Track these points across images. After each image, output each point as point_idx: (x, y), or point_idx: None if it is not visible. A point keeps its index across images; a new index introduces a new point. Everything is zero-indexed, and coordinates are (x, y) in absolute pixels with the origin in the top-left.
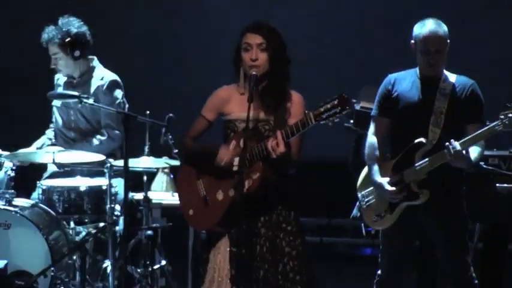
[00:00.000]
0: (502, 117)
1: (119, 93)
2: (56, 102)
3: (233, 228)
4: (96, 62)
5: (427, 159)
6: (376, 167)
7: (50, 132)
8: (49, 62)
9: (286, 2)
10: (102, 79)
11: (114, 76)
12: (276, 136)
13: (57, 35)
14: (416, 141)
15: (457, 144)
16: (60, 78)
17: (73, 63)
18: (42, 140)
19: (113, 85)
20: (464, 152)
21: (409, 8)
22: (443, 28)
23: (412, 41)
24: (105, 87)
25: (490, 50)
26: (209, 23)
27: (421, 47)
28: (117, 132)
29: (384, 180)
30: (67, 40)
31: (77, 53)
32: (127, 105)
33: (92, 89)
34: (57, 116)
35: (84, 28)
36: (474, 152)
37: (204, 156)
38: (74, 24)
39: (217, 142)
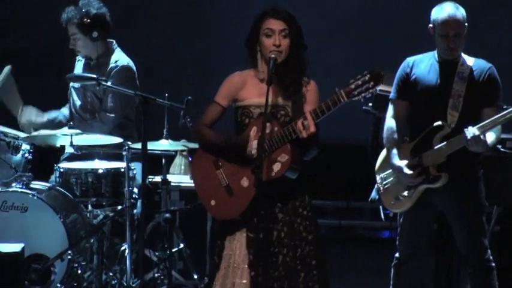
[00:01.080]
0: None
1: (127, 79)
2: (74, 84)
3: (252, 215)
4: (115, 46)
5: (445, 142)
6: (394, 150)
7: (65, 110)
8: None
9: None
10: (116, 62)
11: (127, 61)
12: (306, 116)
13: (76, 15)
14: (435, 124)
15: (475, 129)
16: (80, 60)
17: (91, 45)
18: (56, 113)
19: (123, 70)
20: (482, 136)
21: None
22: (462, 12)
23: (431, 25)
24: (114, 70)
25: (508, 36)
26: (235, 10)
27: (439, 31)
28: (110, 116)
29: (403, 164)
30: (86, 21)
31: (95, 34)
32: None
33: (106, 72)
34: (74, 97)
35: (104, 9)
36: (491, 136)
37: (225, 146)
38: (94, 5)
39: (228, 128)
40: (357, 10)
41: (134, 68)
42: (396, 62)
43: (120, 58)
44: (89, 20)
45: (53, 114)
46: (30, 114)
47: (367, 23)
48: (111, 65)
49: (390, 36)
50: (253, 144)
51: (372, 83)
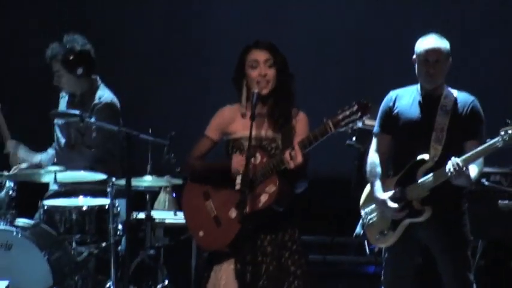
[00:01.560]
0: (502, 133)
1: (110, 115)
2: (58, 120)
3: (240, 246)
4: (99, 82)
5: (429, 176)
6: (378, 183)
7: (50, 150)
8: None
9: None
10: (99, 99)
11: (110, 98)
12: (293, 147)
13: (61, 51)
14: (419, 158)
15: (458, 161)
16: (64, 97)
17: (75, 81)
18: (43, 155)
19: (106, 106)
20: (464, 169)
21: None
22: (445, 42)
23: (414, 56)
24: (97, 107)
25: (491, 67)
26: (213, 40)
27: (420, 57)
28: (91, 150)
29: (386, 197)
30: (70, 57)
31: (79, 71)
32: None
33: (89, 108)
34: (58, 134)
35: (89, 46)
36: (473, 169)
37: (214, 174)
38: (79, 42)
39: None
40: (347, 43)
41: (118, 105)
42: (382, 96)
43: (104, 94)
44: (73, 57)
45: (37, 158)
46: (21, 152)
47: (356, 56)
48: (95, 101)
49: (378, 70)
50: (238, 179)
51: (359, 113)
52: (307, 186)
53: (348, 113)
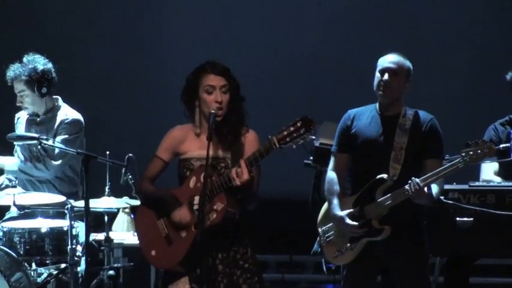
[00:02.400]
0: (463, 154)
1: (78, 131)
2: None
3: (194, 266)
4: (61, 102)
5: (388, 195)
6: (336, 201)
7: (8, 173)
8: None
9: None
10: (66, 115)
11: (78, 116)
12: (240, 164)
13: (24, 72)
14: (378, 177)
15: (418, 181)
16: (20, 117)
17: (39, 101)
18: (1, 179)
19: (74, 122)
20: (425, 188)
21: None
22: (404, 59)
23: (376, 73)
24: (65, 122)
25: (451, 85)
26: (170, 61)
27: (379, 70)
28: (56, 163)
29: (345, 214)
30: (34, 77)
31: (44, 90)
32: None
33: (56, 125)
34: (19, 154)
35: (50, 65)
36: (435, 188)
37: (161, 203)
38: (40, 62)
39: (174, 181)
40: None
41: (83, 124)
42: (340, 115)
43: (70, 112)
44: (37, 76)
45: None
46: None
47: (314, 76)
48: (62, 118)
49: (336, 89)
50: (196, 199)
51: (303, 129)
52: (256, 202)
53: (292, 129)
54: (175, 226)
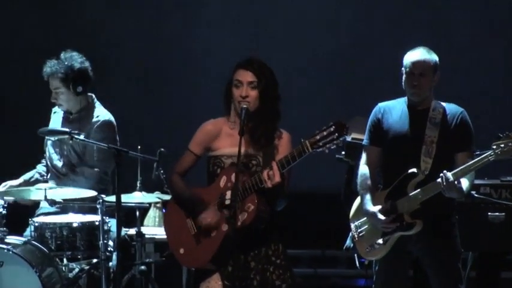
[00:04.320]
0: (494, 147)
1: (108, 133)
2: (51, 137)
3: (225, 264)
4: (95, 100)
5: (420, 189)
6: (368, 196)
7: (40, 167)
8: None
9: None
10: (97, 117)
11: (108, 116)
12: (272, 166)
13: (60, 69)
14: (409, 171)
15: (450, 175)
16: (57, 112)
17: (74, 99)
18: (31, 173)
19: (104, 125)
20: (456, 182)
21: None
22: (431, 54)
23: (402, 69)
24: (96, 125)
25: (480, 80)
26: (202, 58)
27: (406, 71)
28: (93, 170)
29: (377, 209)
30: (70, 75)
31: (79, 89)
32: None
33: (87, 126)
34: (50, 151)
35: (87, 64)
36: (465, 182)
37: (189, 204)
38: (77, 60)
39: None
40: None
41: (115, 123)
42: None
43: (101, 113)
44: (73, 74)
45: (28, 175)
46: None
47: (345, 72)
48: (94, 119)
49: (367, 84)
50: (227, 194)
51: (336, 134)
52: (286, 202)
53: (325, 133)
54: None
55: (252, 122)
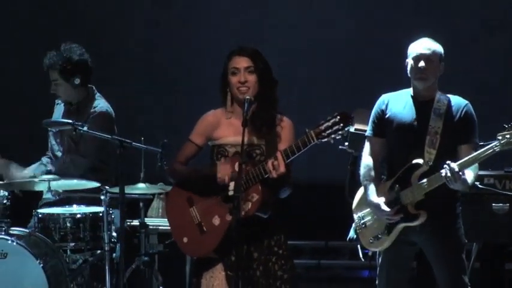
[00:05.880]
0: (500, 138)
1: (103, 124)
2: (52, 128)
3: (228, 253)
4: (95, 92)
5: (424, 180)
6: (372, 187)
7: (45, 159)
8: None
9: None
10: (94, 108)
11: (106, 107)
12: (276, 156)
13: (59, 61)
14: (413, 162)
15: (455, 166)
16: (60, 103)
17: (72, 90)
18: (36, 166)
19: (100, 115)
20: (461, 173)
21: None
22: (437, 45)
23: (407, 60)
24: (92, 116)
25: (486, 72)
26: (202, 49)
27: (413, 57)
28: (83, 159)
29: (381, 201)
30: (68, 67)
31: (77, 81)
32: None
33: (85, 117)
34: (52, 141)
35: (86, 56)
36: (469, 173)
37: (198, 180)
38: (76, 52)
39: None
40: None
41: (113, 114)
42: (373, 101)
43: (99, 104)
44: (71, 67)
45: (33, 168)
46: (12, 171)
47: (348, 61)
48: (91, 110)
49: (370, 74)
50: (231, 185)
51: (341, 124)
52: (290, 191)
53: (330, 123)
54: (209, 214)
55: (251, 110)
